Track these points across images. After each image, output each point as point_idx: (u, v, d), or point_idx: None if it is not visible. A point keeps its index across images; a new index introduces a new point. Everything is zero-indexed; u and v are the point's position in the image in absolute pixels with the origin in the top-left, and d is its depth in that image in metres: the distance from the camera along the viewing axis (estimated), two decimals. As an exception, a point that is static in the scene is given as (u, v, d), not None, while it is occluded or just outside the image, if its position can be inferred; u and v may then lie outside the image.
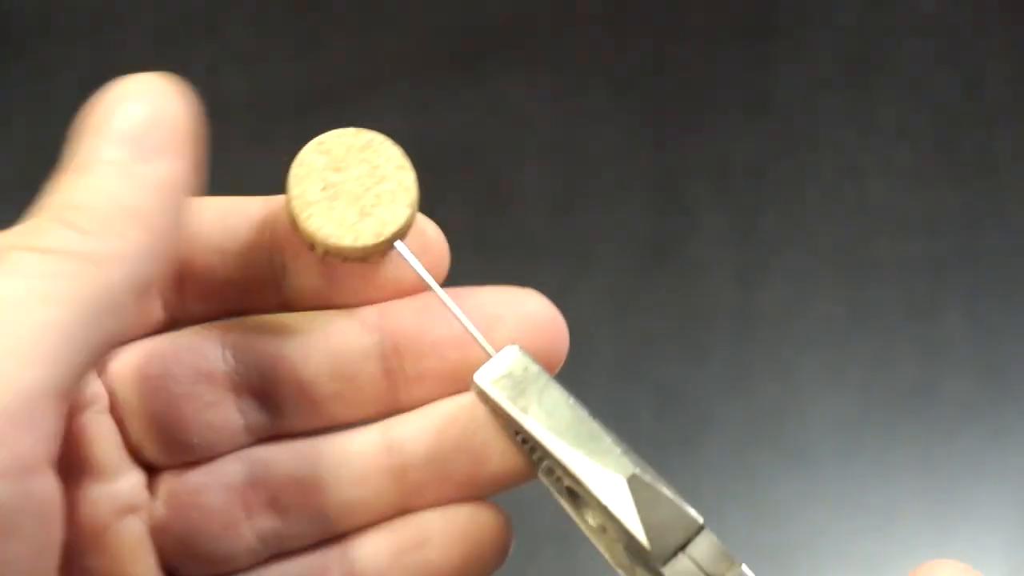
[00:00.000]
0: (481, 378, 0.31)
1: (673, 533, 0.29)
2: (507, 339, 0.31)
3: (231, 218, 0.33)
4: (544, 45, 0.85)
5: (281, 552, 0.32)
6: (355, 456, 0.32)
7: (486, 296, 0.32)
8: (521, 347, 0.31)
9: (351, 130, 0.33)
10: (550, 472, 0.31)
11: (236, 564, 0.32)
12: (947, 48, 0.84)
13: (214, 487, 0.31)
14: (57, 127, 0.98)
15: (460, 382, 0.31)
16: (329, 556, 0.32)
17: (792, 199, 0.80)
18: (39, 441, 0.25)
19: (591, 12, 0.85)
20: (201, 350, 0.31)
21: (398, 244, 0.31)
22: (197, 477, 0.31)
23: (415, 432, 0.32)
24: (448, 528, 0.32)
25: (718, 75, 0.83)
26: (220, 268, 0.32)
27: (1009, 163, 0.81)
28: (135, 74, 0.30)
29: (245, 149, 0.82)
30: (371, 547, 0.32)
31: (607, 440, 0.30)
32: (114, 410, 0.31)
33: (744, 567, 0.29)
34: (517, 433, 0.31)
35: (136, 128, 0.29)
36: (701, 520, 0.29)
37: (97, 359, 0.26)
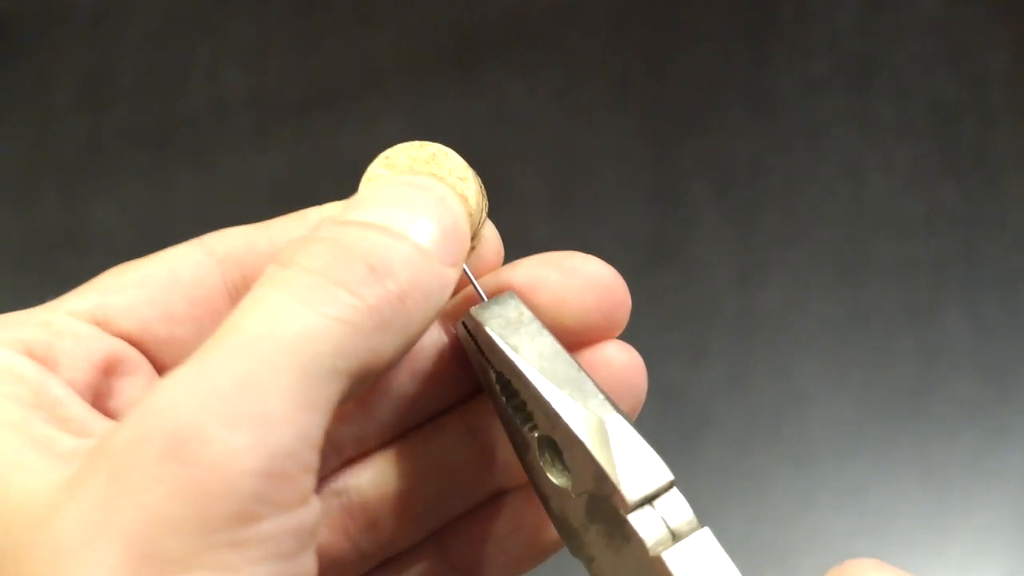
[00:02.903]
0: (476, 313, 0.31)
1: (645, 482, 0.28)
2: (567, 298, 0.31)
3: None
4: (544, 45, 0.85)
5: (384, 560, 0.33)
6: (442, 449, 0.32)
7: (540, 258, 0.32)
8: (516, 293, 0.31)
9: (416, 143, 0.33)
10: (528, 419, 0.31)
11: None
12: (947, 48, 0.84)
13: (380, 483, 0.32)
14: (57, 127, 0.98)
15: None
16: (428, 553, 0.33)
17: (792, 199, 0.80)
18: (315, 478, 0.26)
19: (591, 12, 0.85)
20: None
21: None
22: (361, 477, 0.32)
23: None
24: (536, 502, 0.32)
25: (718, 75, 0.84)
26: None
27: (1009, 163, 0.81)
28: (438, 180, 0.31)
29: (245, 149, 0.82)
30: (464, 536, 0.33)
31: (591, 385, 0.30)
32: None
33: (707, 529, 0.29)
34: (497, 379, 0.31)
35: (445, 230, 0.29)
36: (672, 476, 0.29)
37: (330, 417, 0.27)
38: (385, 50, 0.84)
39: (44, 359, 0.28)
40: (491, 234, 0.33)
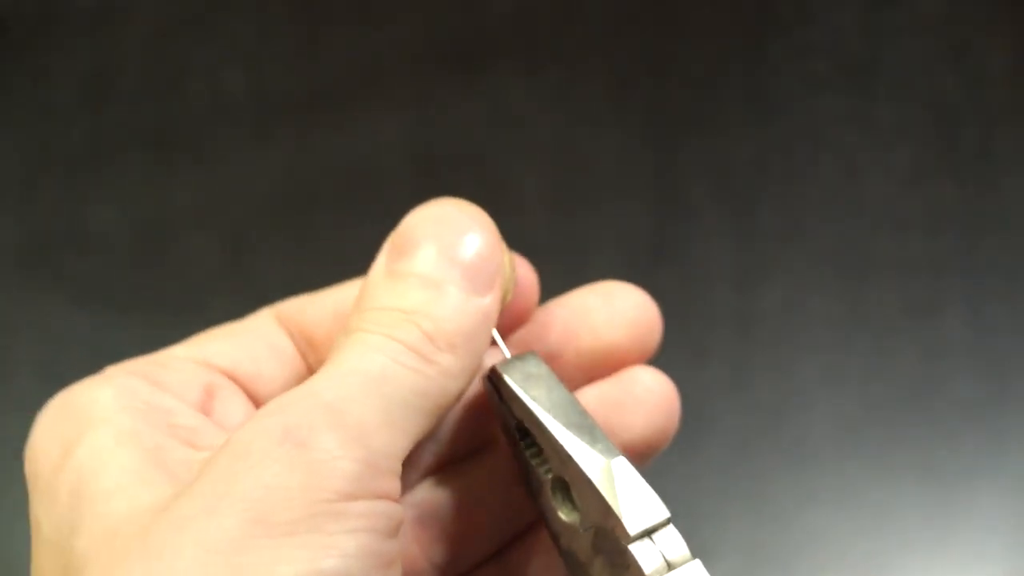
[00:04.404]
0: (499, 368, 0.34)
1: (645, 517, 0.32)
2: (608, 326, 0.36)
3: None
4: (544, 45, 0.85)
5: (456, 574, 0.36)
6: (502, 467, 0.36)
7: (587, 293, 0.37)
8: (537, 353, 0.35)
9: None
10: (543, 463, 0.34)
11: None
12: (947, 48, 0.84)
13: (420, 518, 0.36)
14: (57, 127, 0.98)
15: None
16: (498, 567, 0.36)
17: (792, 199, 0.80)
18: (399, 488, 0.31)
19: (591, 12, 0.85)
20: None
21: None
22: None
23: None
24: None
25: (718, 75, 0.83)
26: None
27: (1009, 163, 0.81)
28: (461, 202, 0.34)
29: (245, 149, 0.82)
30: (524, 550, 0.37)
31: (599, 432, 0.33)
32: None
33: (698, 561, 0.32)
34: (517, 426, 0.34)
35: (478, 263, 0.32)
36: (669, 514, 0.32)
37: (412, 444, 0.31)
38: (385, 50, 0.84)
39: (157, 383, 0.33)
40: (525, 269, 0.36)
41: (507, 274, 0.34)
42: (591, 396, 0.36)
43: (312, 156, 0.81)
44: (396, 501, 0.30)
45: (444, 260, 0.32)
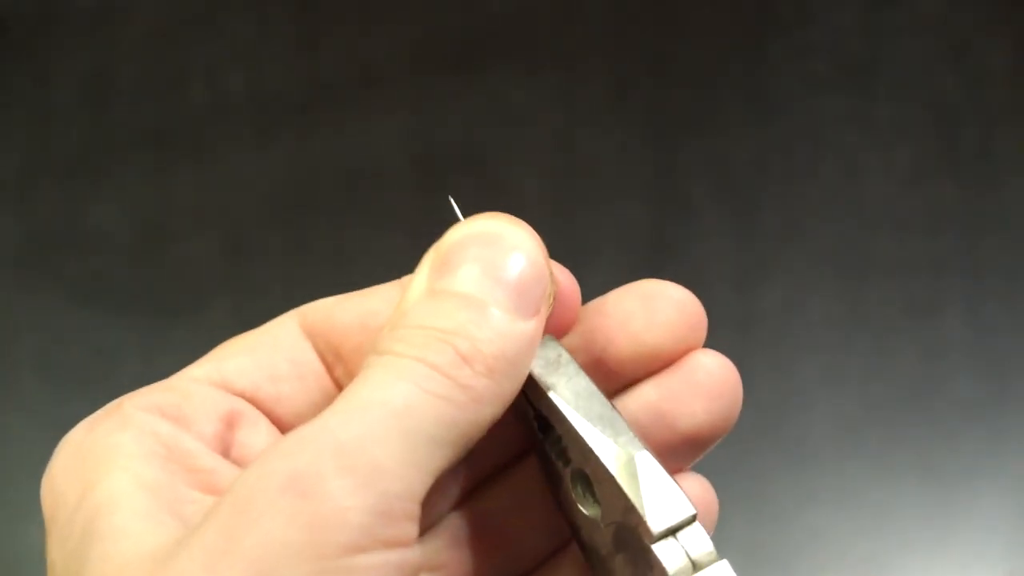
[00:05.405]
0: None
1: (669, 515, 0.31)
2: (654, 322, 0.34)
3: None
4: (544, 45, 0.85)
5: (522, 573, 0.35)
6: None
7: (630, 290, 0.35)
8: (554, 337, 0.33)
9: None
10: (562, 454, 0.33)
11: None
12: (947, 48, 0.84)
13: (446, 547, 0.34)
14: (57, 127, 0.98)
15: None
16: (564, 566, 0.35)
17: (792, 198, 0.80)
18: (416, 527, 0.29)
19: (591, 12, 0.85)
20: None
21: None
22: (427, 544, 0.34)
23: None
24: None
25: (718, 75, 0.83)
26: None
27: (1009, 163, 0.81)
28: (509, 218, 0.33)
29: (245, 149, 0.82)
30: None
31: (622, 423, 0.32)
32: None
33: (726, 562, 0.30)
34: (536, 416, 0.33)
35: (526, 284, 0.31)
36: (695, 511, 0.31)
37: (434, 480, 0.29)
38: (385, 50, 0.84)
39: (176, 419, 0.31)
40: (568, 281, 0.35)
41: (549, 288, 0.33)
42: (649, 388, 0.34)
43: (312, 156, 0.81)
44: (411, 546, 0.29)
45: (488, 279, 0.31)
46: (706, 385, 0.34)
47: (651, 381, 0.34)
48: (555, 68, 0.84)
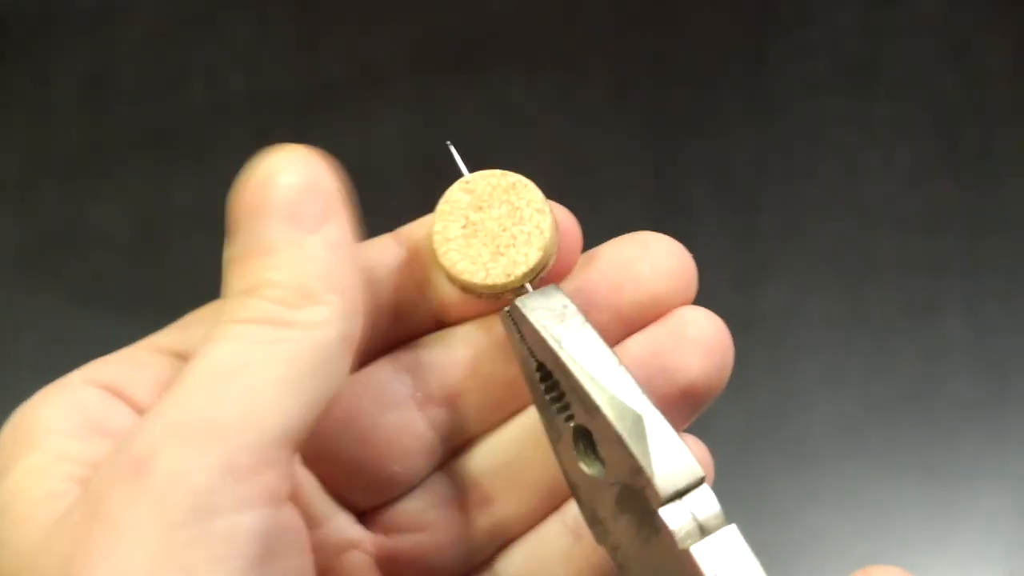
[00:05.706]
0: (520, 304, 0.32)
1: (677, 477, 0.29)
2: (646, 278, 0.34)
3: (376, 256, 0.35)
4: (544, 45, 0.85)
5: (509, 538, 0.34)
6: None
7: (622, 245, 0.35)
8: (560, 286, 0.32)
9: (498, 172, 0.35)
10: (564, 408, 0.31)
11: (472, 562, 0.34)
12: (947, 48, 0.84)
13: (431, 506, 0.34)
14: (57, 127, 0.98)
15: None
16: (551, 527, 0.34)
17: (792, 198, 0.80)
18: (283, 478, 0.28)
19: (591, 12, 0.85)
20: (377, 381, 0.33)
21: (527, 286, 0.32)
22: (411, 504, 0.33)
23: None
24: None
25: (718, 75, 0.83)
26: (376, 305, 0.34)
27: (1009, 163, 0.81)
28: (276, 149, 0.32)
29: (245, 149, 0.82)
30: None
31: (630, 380, 0.30)
32: (309, 463, 0.33)
33: (734, 526, 0.29)
34: (538, 368, 0.31)
35: (295, 201, 0.30)
36: (703, 473, 0.30)
37: (320, 410, 0.29)
38: (385, 50, 0.84)
39: (117, 390, 0.31)
40: (569, 222, 0.35)
41: (548, 235, 0.33)
42: (640, 342, 0.33)
43: (312, 156, 0.81)
44: (274, 503, 0.28)
45: (257, 222, 0.30)
46: (699, 340, 0.34)
47: (643, 334, 0.34)
48: (555, 68, 0.84)
